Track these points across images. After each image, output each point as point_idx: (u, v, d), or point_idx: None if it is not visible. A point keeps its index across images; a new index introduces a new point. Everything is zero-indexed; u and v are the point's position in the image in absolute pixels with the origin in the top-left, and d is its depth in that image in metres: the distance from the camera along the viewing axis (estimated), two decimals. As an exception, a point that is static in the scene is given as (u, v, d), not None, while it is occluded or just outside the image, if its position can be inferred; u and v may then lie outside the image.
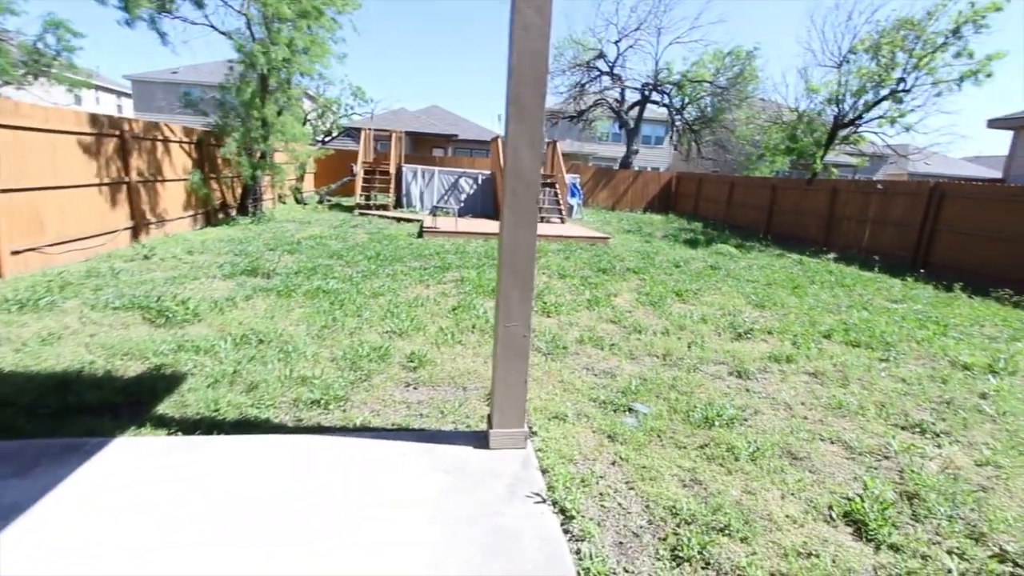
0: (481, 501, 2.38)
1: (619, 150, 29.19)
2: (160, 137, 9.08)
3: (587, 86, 25.72)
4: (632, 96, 25.73)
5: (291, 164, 13.40)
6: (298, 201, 16.41)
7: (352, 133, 24.05)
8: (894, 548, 2.30)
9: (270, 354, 4.03)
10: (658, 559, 2.17)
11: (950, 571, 2.19)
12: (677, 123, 26.10)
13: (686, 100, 25.03)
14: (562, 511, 2.39)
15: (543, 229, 12.37)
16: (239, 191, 12.05)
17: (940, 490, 2.73)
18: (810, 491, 2.70)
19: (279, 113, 11.24)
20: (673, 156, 34.56)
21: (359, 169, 15.65)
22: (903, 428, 3.49)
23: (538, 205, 2.65)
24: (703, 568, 2.14)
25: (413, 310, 5.43)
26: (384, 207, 15.42)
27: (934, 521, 2.51)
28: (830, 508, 2.56)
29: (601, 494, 2.58)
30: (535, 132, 2.54)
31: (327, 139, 21.24)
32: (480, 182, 15.86)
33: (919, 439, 3.35)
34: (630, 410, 3.50)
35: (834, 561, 2.20)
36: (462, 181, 15.94)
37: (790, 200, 15.17)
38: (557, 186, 15.56)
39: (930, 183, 11.01)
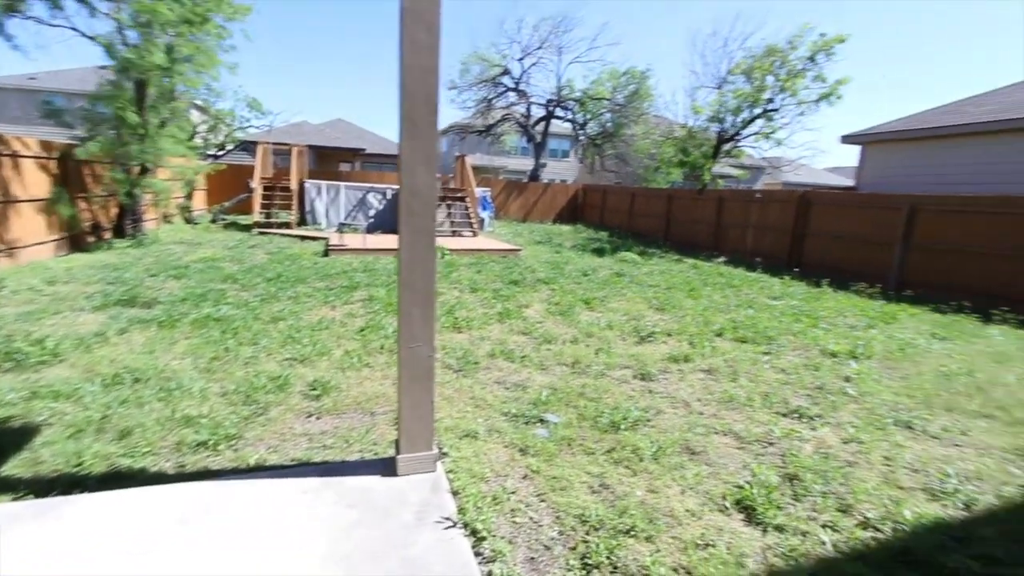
0: (388, 533, 2.27)
1: (528, 163, 29.96)
2: (7, 152, 7.94)
3: (494, 101, 26.23)
4: (538, 111, 26.59)
5: (177, 180, 12.30)
6: (187, 221, 15.07)
7: (249, 147, 22.59)
8: (779, 529, 2.51)
9: (148, 394, 3.61)
10: (569, 570, 2.20)
11: (824, 543, 2.42)
12: (581, 138, 27.33)
13: (588, 116, 26.29)
14: (473, 533, 2.34)
15: (455, 243, 12.34)
16: (115, 212, 10.84)
17: (815, 469, 3.02)
18: (706, 483, 2.87)
19: (161, 125, 10.29)
20: (579, 169, 36.06)
21: (256, 185, 14.72)
22: (784, 415, 3.84)
23: (435, 222, 2.61)
24: (611, 572, 2.19)
25: (317, 334, 5.15)
26: (286, 225, 14.60)
27: (811, 499, 2.77)
28: (724, 498, 2.74)
29: (513, 510, 2.57)
30: (429, 149, 2.52)
31: (220, 153, 19.79)
32: (389, 197, 15.53)
33: (797, 424, 3.70)
34: (541, 421, 3.54)
35: (728, 548, 2.35)
36: (370, 196, 15.51)
37: (684, 209, 16.37)
38: (468, 200, 15.62)
39: (798, 192, 12.39)
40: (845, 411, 3.93)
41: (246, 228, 14.21)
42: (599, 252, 13.16)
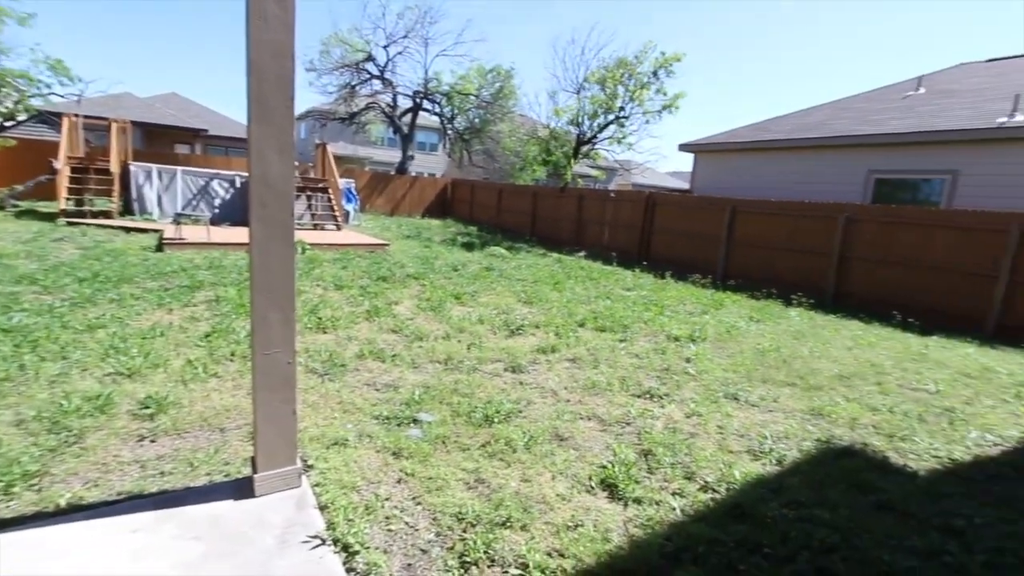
0: (244, 563, 2.04)
1: (395, 155, 29.10)
2: None
3: (358, 88, 24.98)
4: (405, 102, 25.92)
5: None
6: (-41, 207, 12.04)
7: (52, 120, 18.72)
8: (637, 501, 2.75)
9: (-98, 430, 2.81)
10: (447, 570, 2.18)
11: (674, 509, 2.72)
12: (449, 132, 27.24)
13: (455, 110, 26.28)
14: (345, 548, 2.21)
15: (318, 237, 11.54)
16: None
17: (665, 443, 3.38)
18: (574, 467, 3.05)
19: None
20: (448, 163, 35.99)
21: (62, 166, 12.25)
22: (639, 396, 4.23)
23: (294, 215, 2.40)
24: (489, 566, 2.22)
25: (150, 342, 4.46)
26: (106, 214, 12.39)
27: (662, 471, 3.08)
28: (590, 479, 2.94)
29: (387, 518, 2.47)
30: (284, 135, 2.29)
31: (8, 125, 16.11)
32: (239, 185, 13.99)
33: (650, 403, 4.10)
34: (415, 421, 3.47)
35: (595, 526, 2.52)
36: (215, 184, 13.83)
37: (548, 206, 17.20)
38: (330, 191, 14.71)
39: (646, 193, 13.74)
40: (687, 388, 4.46)
41: (49, 217, 11.78)
42: (469, 247, 13.27)
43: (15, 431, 2.93)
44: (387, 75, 24.82)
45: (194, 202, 13.61)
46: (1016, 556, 2.47)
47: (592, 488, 2.86)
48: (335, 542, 2.22)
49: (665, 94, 16.84)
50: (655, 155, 41.22)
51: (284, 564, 2.05)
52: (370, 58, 24.35)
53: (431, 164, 36.99)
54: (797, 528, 2.57)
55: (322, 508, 2.45)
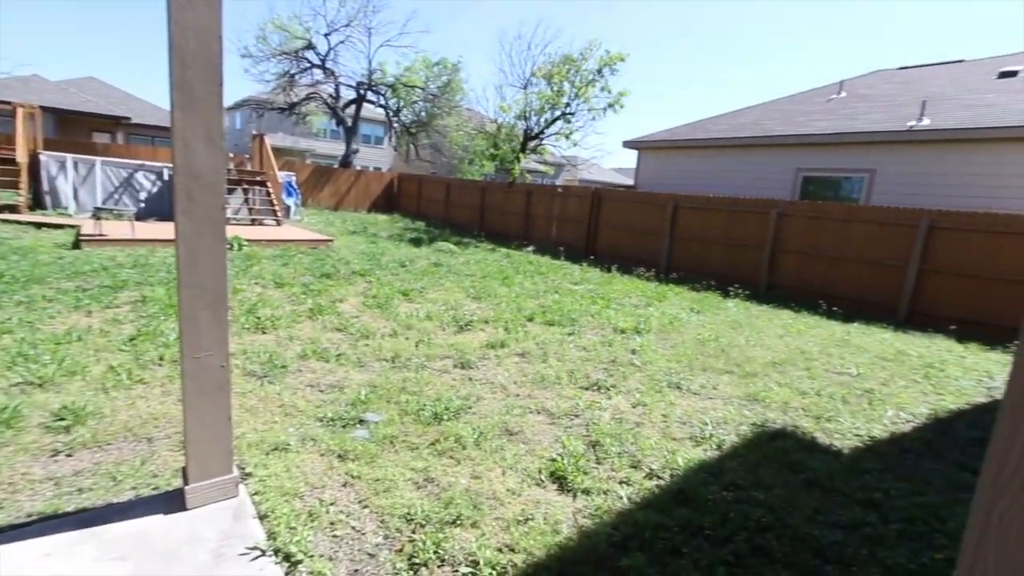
0: (176, 580, 1.92)
1: (339, 148, 28.17)
2: None
3: (297, 77, 23.97)
4: (348, 93, 25.12)
5: None
6: None
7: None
8: (585, 492, 2.80)
9: None
10: (395, 573, 2.13)
11: (622, 497, 2.79)
12: (395, 125, 26.65)
13: (401, 103, 25.75)
14: (287, 558, 2.12)
15: (256, 233, 11.01)
16: None
17: (612, 434, 3.45)
18: (524, 461, 3.07)
19: None
20: (394, 157, 35.24)
21: (-43, 155, 11.04)
22: (587, 388, 4.31)
23: (225, 209, 2.26)
24: (439, 566, 2.19)
25: (65, 347, 4.10)
26: (12, 208, 11.29)
27: (609, 460, 3.15)
28: (539, 472, 2.96)
29: (332, 523, 2.39)
30: (212, 124, 2.15)
31: None
32: (167, 178, 13.10)
33: (597, 395, 4.19)
34: (361, 422, 3.37)
35: (545, 519, 2.55)
36: (140, 176, 12.89)
37: (497, 201, 17.19)
38: (269, 184, 14.06)
39: (592, 188, 13.99)
40: (633, 379, 4.58)
41: (-59, 212, 10.59)
42: (416, 242, 13.06)
43: (-98, 451, 2.61)
44: (329, 64, 23.98)
45: (116, 196, 12.63)
46: (926, 524, 2.70)
47: (542, 481, 2.88)
48: (276, 552, 2.13)
49: (610, 92, 17.20)
50: (600, 151, 42.19)
51: (220, 579, 1.94)
52: (310, 46, 23.43)
53: (377, 158, 36.10)
54: (735, 509, 2.69)
55: (262, 517, 2.33)
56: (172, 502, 2.33)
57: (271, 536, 2.21)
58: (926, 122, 10.69)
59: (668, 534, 2.48)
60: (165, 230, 9.96)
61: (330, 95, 24.78)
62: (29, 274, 6.22)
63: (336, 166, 23.97)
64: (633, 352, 5.32)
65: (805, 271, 9.65)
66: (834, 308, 8.42)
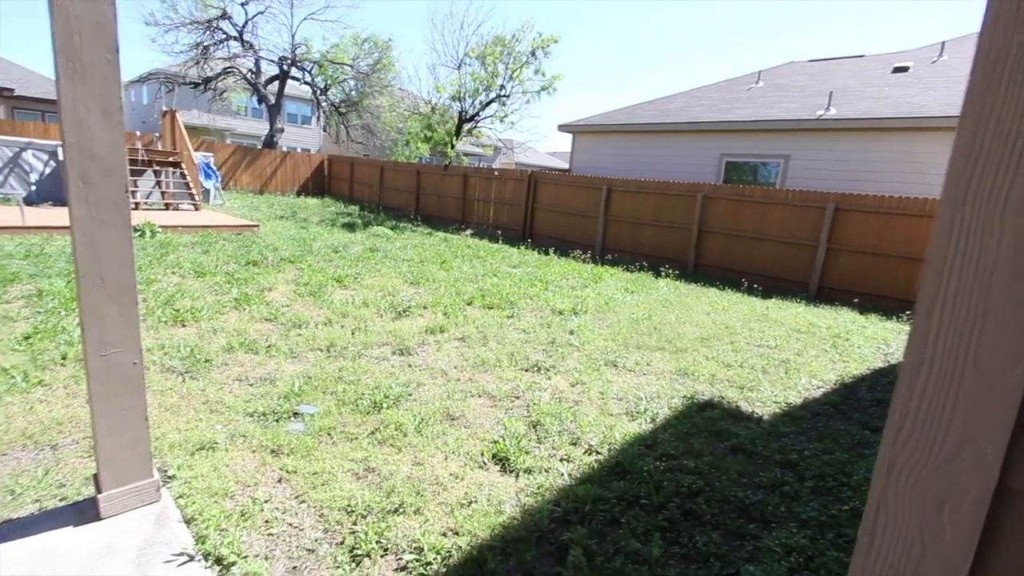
0: (90, 596, 1.77)
1: (262, 127, 26.51)
2: None
3: (212, 49, 22.15)
4: (270, 69, 23.57)
5: None
6: None
7: None
8: (528, 471, 2.85)
9: None
10: (337, 567, 2.08)
11: (562, 474, 2.86)
12: (323, 104, 25.36)
13: (328, 81, 24.50)
14: (218, 561, 2.01)
15: (172, 218, 10.19)
16: None
17: (552, 413, 3.53)
18: (466, 445, 3.07)
19: None
20: (324, 138, 33.64)
21: None
22: (527, 370, 4.37)
23: (128, 192, 2.06)
24: (382, 555, 2.16)
25: (-57, 350, 3.62)
26: None
27: (550, 439, 3.22)
28: (482, 455, 2.98)
29: (267, 521, 2.29)
30: (108, 96, 1.94)
31: None
32: (62, 158, 11.78)
33: (537, 376, 4.25)
34: (295, 415, 3.24)
35: (488, 500, 2.57)
36: (30, 156, 11.52)
37: (433, 184, 16.88)
38: (184, 166, 13.02)
39: (528, 171, 14.03)
40: (571, 359, 4.69)
41: None
42: (350, 227, 12.61)
43: None
44: (247, 37, 22.31)
45: (1, 177, 11.24)
46: (835, 480, 2.97)
47: (485, 464, 2.90)
48: (206, 556, 2.01)
49: (544, 75, 17.21)
50: (536, 135, 42.41)
51: (142, 590, 1.81)
52: (225, 15, 21.67)
53: (305, 139, 34.30)
54: (668, 478, 2.84)
55: (188, 521, 2.20)
56: (84, 513, 2.14)
57: (199, 540, 2.09)
58: (833, 112, 11.54)
59: (607, 506, 2.58)
60: (62, 216, 8.98)
61: (250, 70, 23.13)
62: None
63: (260, 147, 22.53)
64: (571, 333, 5.44)
65: (728, 251, 10.23)
66: (755, 285, 9.01)
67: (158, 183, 12.51)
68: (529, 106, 18.28)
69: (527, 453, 3.02)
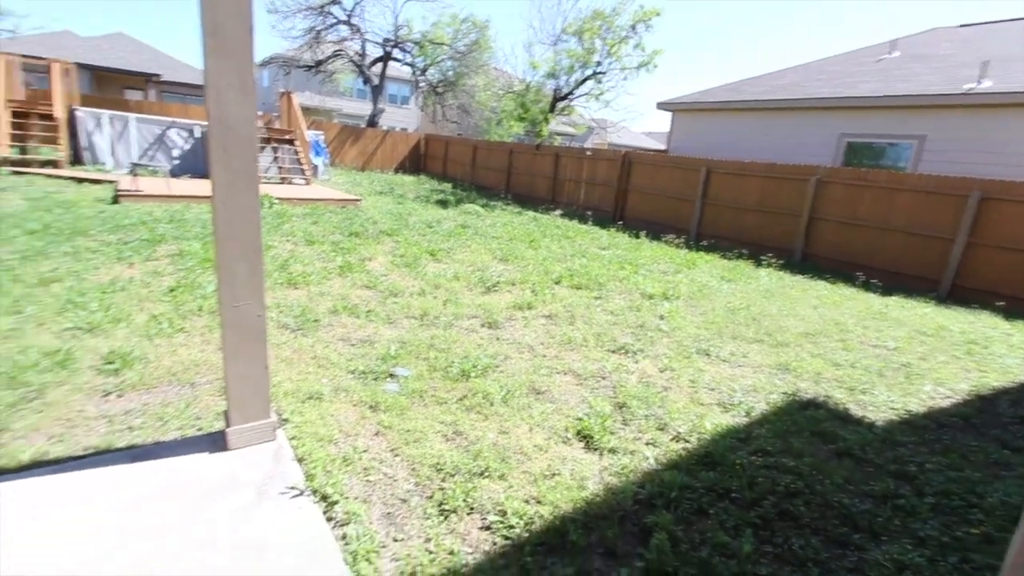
0: (223, 514, 2.02)
1: (365, 107, 27.95)
2: None
3: (323, 33, 23.60)
4: (374, 51, 24.70)
5: None
6: None
7: (-18, 58, 17.14)
8: (612, 451, 2.82)
9: None
10: (427, 518, 2.20)
11: (647, 458, 2.80)
12: (421, 84, 26.20)
13: (428, 61, 25.20)
14: (324, 498, 2.21)
15: (286, 191, 11.11)
16: None
17: (639, 396, 3.45)
18: (551, 419, 3.10)
19: None
20: (421, 117, 34.82)
21: (1, 110, 11.31)
22: (613, 352, 4.30)
23: (257, 161, 2.26)
24: (468, 513, 2.26)
25: (110, 296, 4.26)
26: (53, 164, 11.60)
27: (636, 422, 3.16)
28: (566, 430, 2.99)
29: (366, 469, 2.48)
30: (244, 71, 2.13)
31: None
32: (198, 135, 13.25)
33: (624, 358, 4.17)
34: (391, 376, 3.44)
35: (572, 475, 2.58)
36: (173, 133, 13.05)
37: (524, 163, 16.91)
38: (297, 143, 14.09)
39: (622, 151, 13.61)
40: (661, 344, 4.54)
41: (-12, 166, 10.95)
42: (443, 204, 13.02)
43: (-33, 387, 2.78)
44: (354, 20, 23.49)
45: (150, 152, 12.86)
46: (962, 499, 2.65)
47: (568, 439, 2.92)
48: (314, 493, 2.22)
49: (643, 50, 16.49)
50: (632, 113, 40.82)
51: (264, 515, 2.04)
52: (335, 1, 22.94)
53: (403, 118, 35.73)
54: (763, 475, 2.68)
55: (299, 460, 2.43)
56: (215, 443, 2.44)
57: (308, 478, 2.30)
58: (987, 84, 9.97)
59: (694, 495, 2.49)
60: (199, 187, 10.14)
61: (356, 52, 24.40)
62: (73, 227, 6.44)
63: (363, 126, 23.82)
64: (661, 318, 5.27)
65: (843, 241, 9.30)
66: (872, 280, 8.13)
67: (275, 159, 13.66)
68: (626, 83, 17.64)
69: (612, 433, 2.99)
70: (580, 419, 3.09)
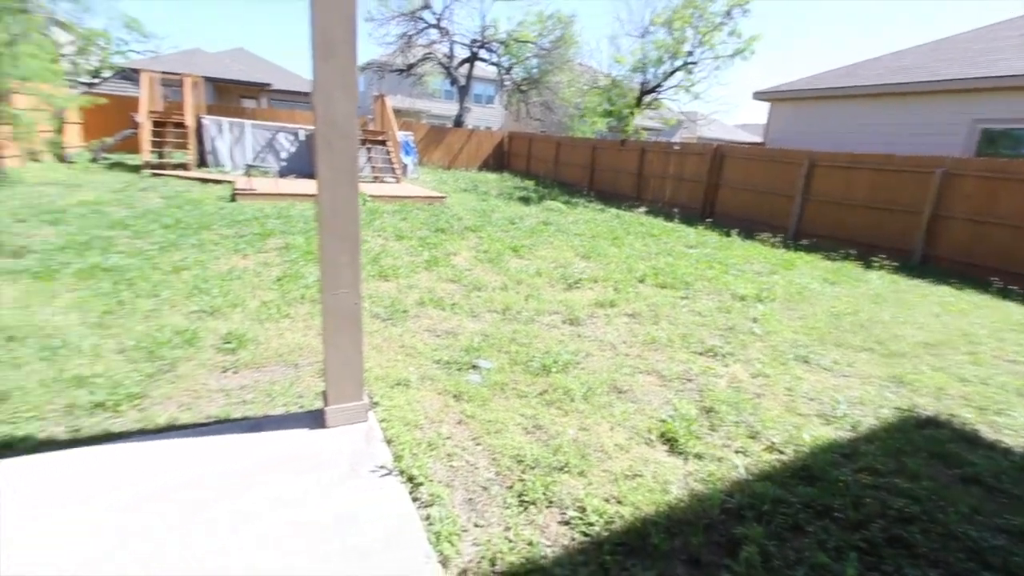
0: (320, 485, 2.18)
1: (452, 108, 28.81)
2: None
3: (414, 38, 24.64)
4: (461, 52, 25.39)
5: (43, 111, 10.53)
6: (60, 159, 13.10)
7: (132, 76, 19.76)
8: (698, 456, 2.70)
9: (25, 353, 3.16)
10: (507, 507, 2.24)
11: (737, 467, 2.65)
12: (506, 83, 26.55)
13: (513, 60, 25.49)
14: (410, 479, 2.31)
15: (378, 189, 11.75)
16: (-40, 145, 9.13)
17: (728, 402, 3.27)
18: (633, 419, 3.03)
19: (11, 43, 8.63)
20: (504, 115, 35.29)
21: (144, 120, 12.96)
22: (700, 354, 4.11)
23: (359, 159, 2.40)
24: (547, 507, 2.26)
25: (228, 284, 4.74)
26: (183, 166, 13.11)
27: (725, 428, 3.00)
28: (649, 431, 2.90)
29: (449, 455, 2.56)
30: (348, 73, 2.27)
31: (95, 81, 17.14)
32: (302, 138, 14.35)
33: (712, 361, 3.98)
34: (474, 367, 3.53)
35: (654, 477, 2.51)
36: (281, 137, 14.25)
37: (608, 159, 16.60)
38: (389, 144, 14.82)
39: (714, 145, 12.93)
40: (753, 348, 4.27)
41: (135, 169, 12.60)
42: (525, 201, 13.12)
43: (119, 358, 3.22)
44: (443, 23, 24.28)
45: (262, 154, 14.12)
46: None
47: (651, 440, 2.83)
48: (400, 473, 2.33)
49: (739, 36, 15.57)
50: (724, 105, 38.68)
51: (355, 489, 2.18)
52: (426, 6, 23.83)
53: (488, 117, 36.40)
54: (871, 495, 2.44)
55: (388, 442, 2.56)
56: (315, 419, 2.64)
57: (396, 458, 2.42)
58: None
59: (790, 510, 2.32)
60: (302, 186, 11.00)
61: (445, 55, 25.22)
62: (199, 222, 7.24)
63: (449, 126, 24.58)
64: (754, 320, 4.95)
65: (975, 241, 8.20)
66: (1011, 287, 7.11)
67: (369, 159, 14.48)
68: (718, 73, 16.70)
69: (698, 438, 2.86)
70: (664, 421, 2.98)
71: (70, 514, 1.93)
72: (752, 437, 2.93)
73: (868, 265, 8.19)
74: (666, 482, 2.48)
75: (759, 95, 14.99)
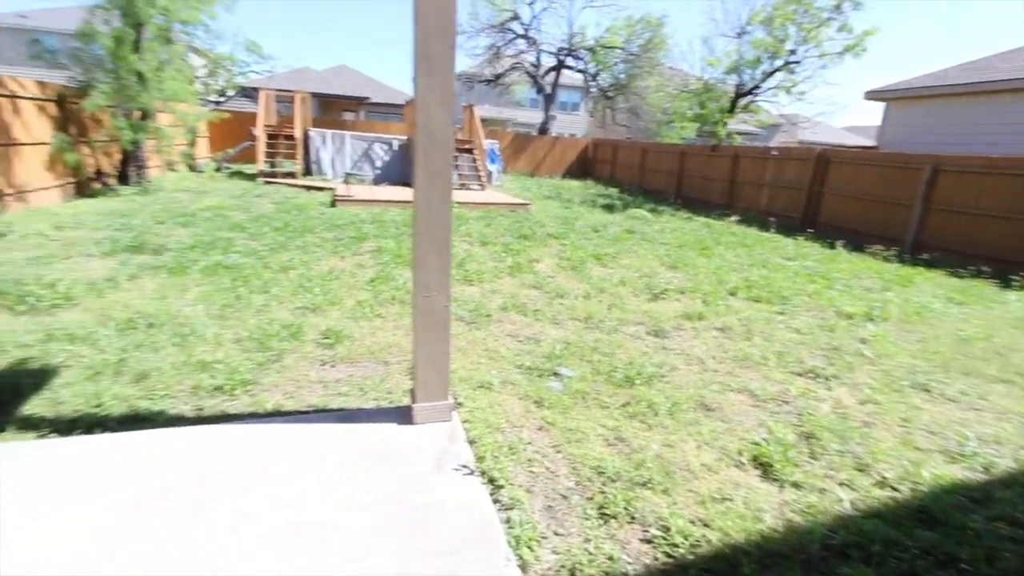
0: (407, 478, 2.28)
1: (537, 116, 29.10)
2: (6, 92, 7.70)
3: (503, 49, 25.22)
4: (548, 61, 25.60)
5: (179, 127, 12.01)
6: (191, 169, 14.84)
7: (250, 93, 21.97)
8: (796, 485, 2.51)
9: (162, 339, 3.61)
10: (586, 519, 2.21)
11: (841, 500, 2.42)
12: (592, 89, 26.41)
13: (600, 66, 25.29)
14: (491, 481, 2.35)
15: (463, 196, 12.12)
16: (118, 158, 10.63)
17: (832, 429, 3.01)
18: (722, 439, 2.87)
19: (159, 68, 9.92)
20: (589, 122, 35.06)
21: (260, 133, 14.36)
22: (799, 374, 3.81)
23: (452, 167, 2.49)
24: (629, 522, 2.20)
25: (327, 283, 5.11)
26: (291, 175, 14.34)
27: (827, 457, 2.76)
28: (740, 454, 2.74)
29: (529, 460, 2.57)
30: (446, 86, 2.37)
31: (221, 100, 19.24)
32: (396, 148, 15.17)
33: (813, 383, 3.67)
34: (555, 374, 3.52)
35: (746, 503, 2.35)
36: (376, 147, 15.15)
37: (697, 165, 15.94)
38: (475, 152, 15.26)
39: (817, 149, 12.00)
40: (861, 372, 3.90)
41: (251, 177, 13.98)
42: (609, 208, 12.93)
43: (235, 347, 3.58)
44: (531, 33, 24.63)
45: (359, 163, 15.08)
46: None
47: (742, 463, 2.67)
48: (482, 474, 2.37)
49: (850, 31, 14.33)
50: (831, 106, 35.69)
51: (439, 486, 2.25)
52: (515, 17, 24.30)
53: (572, 124, 36.34)
54: (1011, 549, 2.13)
55: (470, 442, 2.62)
56: (403, 415, 2.76)
57: (478, 459, 2.47)
58: None
59: (905, 555, 2.08)
60: (395, 192, 11.62)
61: (531, 64, 25.56)
62: (304, 225, 7.87)
63: (534, 134, 24.84)
64: (862, 341, 4.52)
65: None
66: None
67: (456, 166, 14.98)
68: (824, 72, 15.46)
69: (796, 465, 2.65)
70: (756, 444, 2.80)
71: (181, 481, 2.16)
72: (860, 469, 2.67)
73: (1007, 284, 7.18)
74: (759, 509, 2.32)
75: (872, 94, 13.73)
